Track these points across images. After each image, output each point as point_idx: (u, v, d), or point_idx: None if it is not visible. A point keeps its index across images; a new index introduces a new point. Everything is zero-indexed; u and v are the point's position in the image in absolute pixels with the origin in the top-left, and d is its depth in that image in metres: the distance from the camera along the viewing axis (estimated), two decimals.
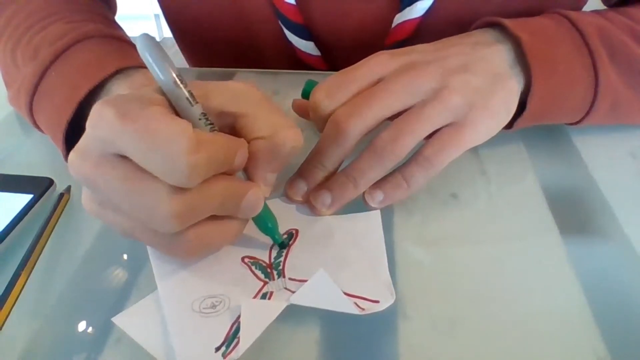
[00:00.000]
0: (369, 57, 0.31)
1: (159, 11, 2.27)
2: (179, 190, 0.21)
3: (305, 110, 0.37)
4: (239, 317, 0.24)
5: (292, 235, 0.29)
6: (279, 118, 0.26)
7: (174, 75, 0.23)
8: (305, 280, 0.25)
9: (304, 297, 0.24)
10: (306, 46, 0.48)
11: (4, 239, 0.29)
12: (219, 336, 0.23)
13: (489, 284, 0.27)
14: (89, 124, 0.22)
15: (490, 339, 0.24)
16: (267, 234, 0.28)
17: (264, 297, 0.25)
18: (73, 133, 0.31)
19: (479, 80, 0.30)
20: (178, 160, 0.20)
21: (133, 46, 0.37)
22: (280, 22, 0.47)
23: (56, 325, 0.26)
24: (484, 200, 0.32)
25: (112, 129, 0.21)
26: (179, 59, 0.63)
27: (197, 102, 0.23)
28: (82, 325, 0.25)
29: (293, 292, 0.25)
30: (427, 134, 0.29)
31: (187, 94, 0.23)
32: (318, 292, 0.24)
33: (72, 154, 0.23)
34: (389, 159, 0.28)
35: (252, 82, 0.27)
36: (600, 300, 0.26)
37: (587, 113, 0.34)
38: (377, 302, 0.24)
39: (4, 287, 0.26)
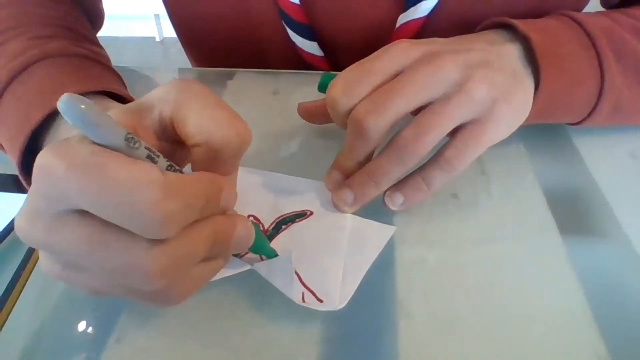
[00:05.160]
0: (389, 45, 0.30)
1: (159, 11, 2.27)
2: (158, 242, 0.18)
3: (312, 115, 0.36)
4: None
5: (304, 214, 0.30)
6: (215, 115, 0.22)
7: (125, 136, 0.18)
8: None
9: (265, 269, 0.26)
10: (310, 46, 0.48)
11: (4, 239, 0.29)
12: None
13: (489, 284, 0.27)
14: (34, 179, 0.18)
15: (490, 338, 0.24)
16: (258, 253, 0.27)
17: (237, 254, 0.27)
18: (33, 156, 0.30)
19: (500, 77, 0.29)
20: (148, 213, 0.17)
21: (99, 64, 0.35)
22: (283, 22, 0.47)
23: (56, 325, 0.26)
24: (484, 200, 0.32)
25: (64, 184, 0.17)
26: (182, 59, 0.63)
27: (158, 155, 0.20)
28: (82, 325, 0.25)
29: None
30: (450, 129, 0.28)
31: (145, 152, 0.19)
32: (277, 270, 0.26)
33: (18, 219, 0.19)
34: (411, 158, 0.28)
35: (190, 79, 0.23)
36: (600, 300, 0.26)
37: (590, 114, 0.34)
38: (321, 301, 0.25)
39: (4, 287, 0.26)
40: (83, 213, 0.18)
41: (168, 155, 0.22)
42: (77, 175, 0.17)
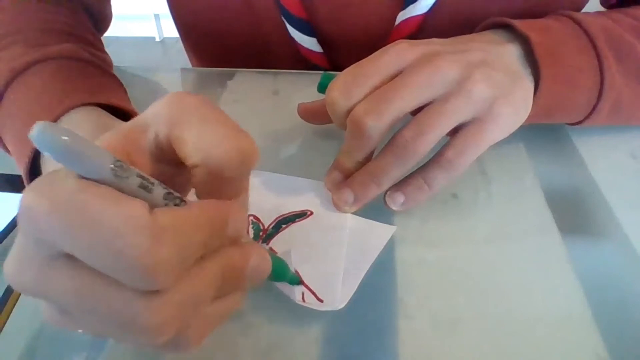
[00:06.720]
0: (387, 46, 0.30)
1: (158, 11, 2.26)
2: (156, 291, 0.16)
3: (312, 115, 0.36)
4: None
5: (304, 214, 0.30)
6: (213, 130, 0.19)
7: (111, 166, 0.16)
8: None
9: None
10: (309, 42, 0.48)
11: (4, 239, 0.29)
12: None
13: (489, 284, 0.27)
14: (19, 221, 0.16)
15: (491, 338, 0.24)
16: (279, 281, 0.25)
17: None
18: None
19: (500, 76, 0.29)
20: (136, 263, 0.15)
21: (100, 69, 0.36)
22: (283, 17, 0.47)
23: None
24: (484, 200, 0.32)
25: (47, 226, 0.15)
26: (181, 59, 0.64)
27: (153, 183, 0.17)
28: None
29: None
30: (450, 129, 0.28)
31: (138, 180, 0.16)
32: None
33: (7, 265, 0.17)
34: (411, 157, 0.28)
35: (184, 92, 0.20)
36: (600, 300, 0.26)
37: (590, 114, 0.34)
38: (321, 301, 0.25)
39: (4, 287, 0.26)
40: (73, 258, 0.16)
41: (169, 180, 0.19)
42: (59, 216, 0.15)
